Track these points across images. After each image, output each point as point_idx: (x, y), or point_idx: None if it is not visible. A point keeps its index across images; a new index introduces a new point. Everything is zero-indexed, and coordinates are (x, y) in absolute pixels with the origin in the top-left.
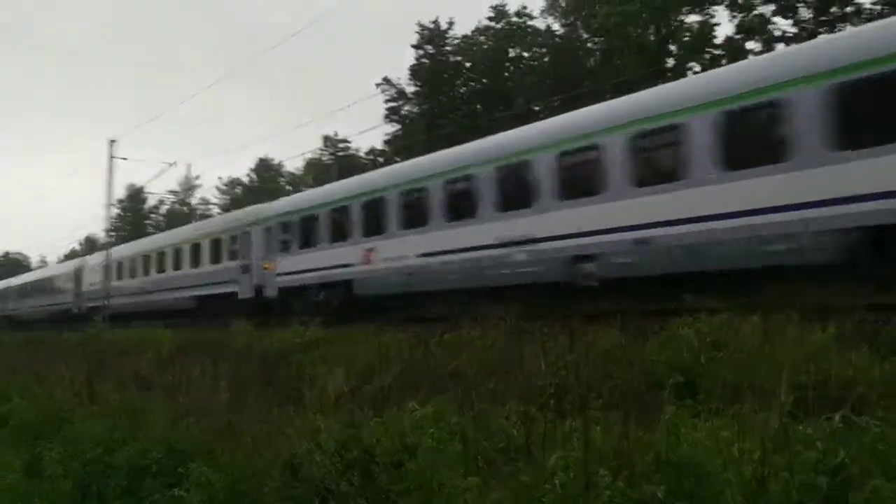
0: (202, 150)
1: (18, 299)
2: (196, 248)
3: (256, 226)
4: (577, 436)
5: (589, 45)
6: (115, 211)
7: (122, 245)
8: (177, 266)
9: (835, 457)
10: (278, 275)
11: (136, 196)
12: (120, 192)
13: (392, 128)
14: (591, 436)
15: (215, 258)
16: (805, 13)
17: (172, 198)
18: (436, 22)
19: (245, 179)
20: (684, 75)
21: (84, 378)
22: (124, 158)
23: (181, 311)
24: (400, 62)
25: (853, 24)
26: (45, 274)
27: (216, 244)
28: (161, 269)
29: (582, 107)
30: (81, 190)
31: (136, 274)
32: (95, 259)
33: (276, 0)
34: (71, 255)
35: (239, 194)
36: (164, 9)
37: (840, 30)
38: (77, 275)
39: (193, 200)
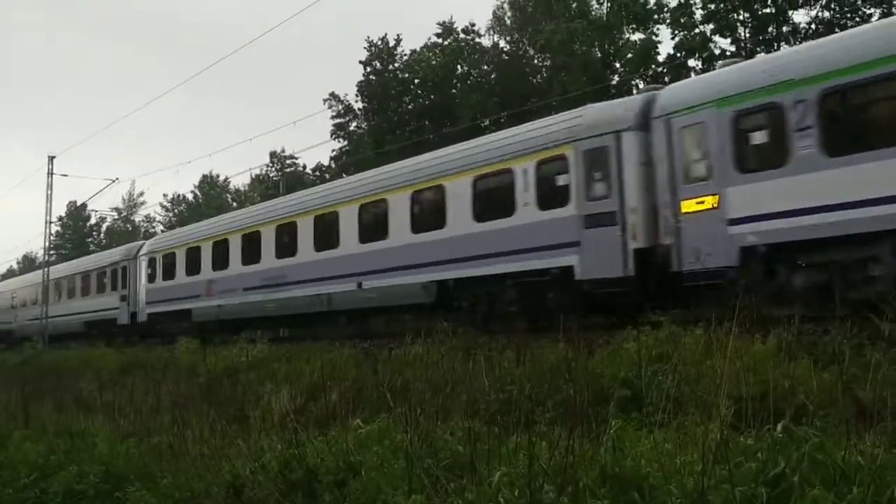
0: (146, 166)
1: (23, 307)
2: (421, 198)
3: (630, 132)
4: (522, 451)
5: (535, 61)
6: (56, 228)
7: (220, 216)
8: (369, 234)
9: (774, 467)
10: (733, 222)
11: (77, 213)
12: (61, 210)
13: (339, 143)
14: (537, 451)
15: (491, 209)
16: (743, 32)
17: (115, 215)
18: (384, 38)
19: (190, 196)
20: (630, 92)
21: (20, 400)
22: (64, 175)
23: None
24: (349, 78)
25: (790, 44)
26: (67, 270)
27: (491, 182)
28: (325, 244)
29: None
30: (18, 208)
31: (257, 256)
32: (163, 241)
33: (225, 15)
34: (8, 274)
35: (184, 211)
36: (111, 23)
37: (777, 49)
38: (126, 267)
39: (137, 218)
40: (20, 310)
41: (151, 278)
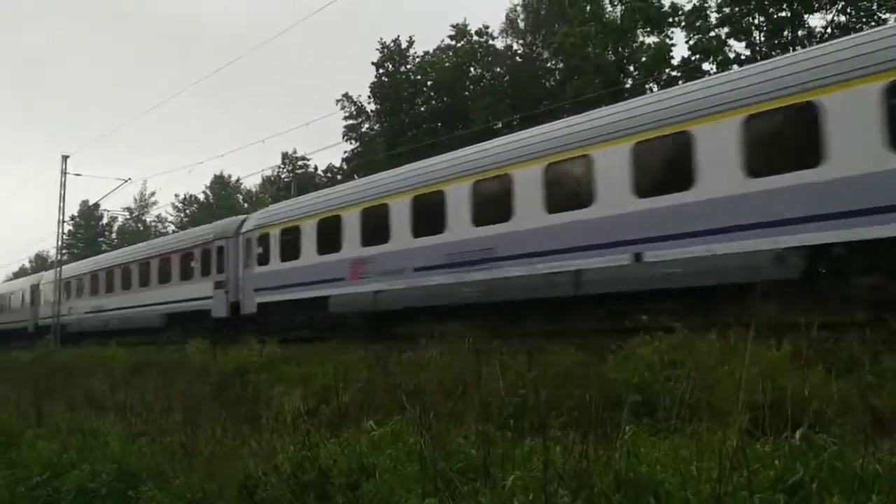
0: (158, 166)
1: (93, 297)
2: (766, 126)
3: None
4: (536, 456)
5: (548, 64)
6: (68, 228)
7: (374, 175)
8: (653, 185)
9: (793, 474)
10: None
11: (89, 213)
12: (73, 209)
13: (351, 145)
14: (551, 455)
15: None
16: (758, 36)
17: (126, 215)
18: (396, 40)
19: (201, 197)
20: (643, 93)
21: (32, 399)
22: (77, 174)
23: None
24: (362, 80)
25: (804, 47)
26: (141, 252)
27: None
28: (566, 202)
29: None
30: (31, 207)
31: (439, 224)
32: (279, 212)
33: (237, 15)
34: (20, 273)
35: (196, 212)
36: (121, 23)
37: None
38: (222, 247)
39: (149, 218)
40: (73, 301)
41: (263, 260)
